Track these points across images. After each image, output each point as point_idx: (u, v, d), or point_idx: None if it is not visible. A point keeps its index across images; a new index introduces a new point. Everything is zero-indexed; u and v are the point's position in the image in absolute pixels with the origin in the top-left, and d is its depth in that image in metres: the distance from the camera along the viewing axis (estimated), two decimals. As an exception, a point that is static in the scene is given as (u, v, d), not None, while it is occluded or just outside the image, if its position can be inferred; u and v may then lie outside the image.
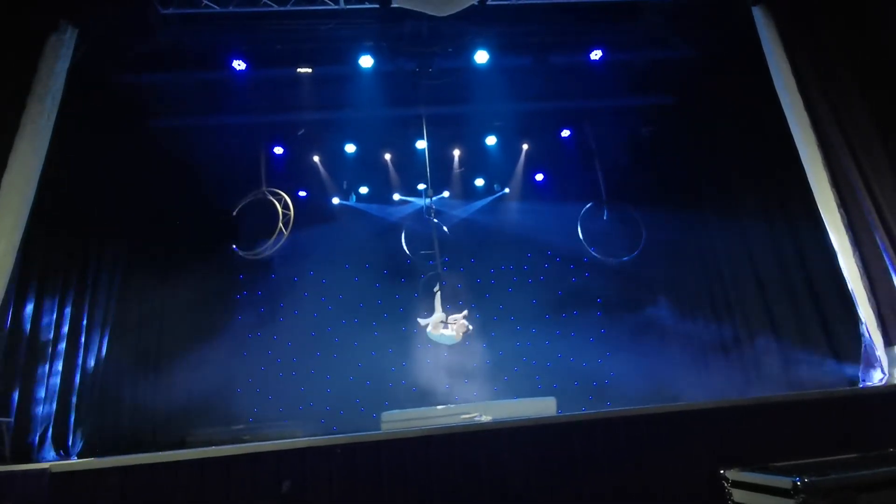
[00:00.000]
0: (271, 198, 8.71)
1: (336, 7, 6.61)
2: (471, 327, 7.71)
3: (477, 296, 11.05)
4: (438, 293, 7.93)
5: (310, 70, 7.74)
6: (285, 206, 8.67)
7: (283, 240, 8.60)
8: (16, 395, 5.98)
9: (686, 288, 9.58)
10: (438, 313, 7.76)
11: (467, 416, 7.42)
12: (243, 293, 10.49)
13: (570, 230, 10.16)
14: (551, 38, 7.67)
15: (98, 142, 7.46)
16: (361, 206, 10.93)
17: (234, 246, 8.95)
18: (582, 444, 4.12)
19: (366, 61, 7.65)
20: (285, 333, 10.47)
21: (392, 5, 6.24)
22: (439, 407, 8.64)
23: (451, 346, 10.34)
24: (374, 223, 10.97)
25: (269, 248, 8.64)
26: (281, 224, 8.56)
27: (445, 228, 9.66)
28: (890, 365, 4.92)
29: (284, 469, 3.88)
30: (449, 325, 7.61)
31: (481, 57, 7.67)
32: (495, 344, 10.73)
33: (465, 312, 7.76)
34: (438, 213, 9.50)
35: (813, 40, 5.79)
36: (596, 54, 7.81)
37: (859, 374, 5.54)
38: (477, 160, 10.42)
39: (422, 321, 7.93)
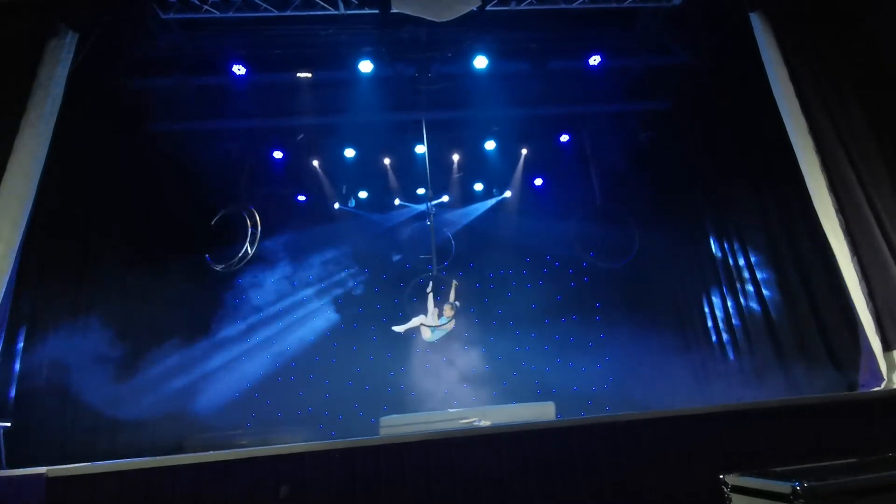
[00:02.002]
0: (244, 213, 8.70)
1: (336, 12, 6.63)
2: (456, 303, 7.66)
3: (476, 300, 11.05)
4: (431, 294, 7.96)
5: (309, 75, 7.76)
6: (254, 224, 8.66)
7: (248, 258, 8.59)
8: (12, 399, 5.95)
9: (685, 292, 9.58)
10: (421, 315, 7.78)
11: (466, 420, 7.40)
12: (242, 297, 10.47)
13: (569, 235, 10.17)
14: (550, 43, 7.71)
15: (98, 146, 7.47)
16: (361, 211, 10.95)
17: (208, 255, 8.90)
18: (581, 449, 4.10)
19: (365, 66, 7.67)
20: (283, 337, 10.46)
21: (391, 11, 6.27)
22: (438, 412, 8.62)
23: (448, 349, 10.37)
24: (374, 228, 10.98)
25: (234, 264, 8.62)
26: (248, 243, 8.53)
27: (449, 234, 9.64)
28: (888, 369, 4.92)
29: (283, 474, 3.86)
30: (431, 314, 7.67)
31: (480, 62, 7.69)
32: (494, 349, 10.73)
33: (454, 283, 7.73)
34: (438, 217, 9.52)
35: (810, 46, 5.82)
36: (594, 60, 7.83)
37: (858, 379, 5.55)
38: (476, 165, 10.45)
39: (398, 328, 7.93)
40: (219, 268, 8.66)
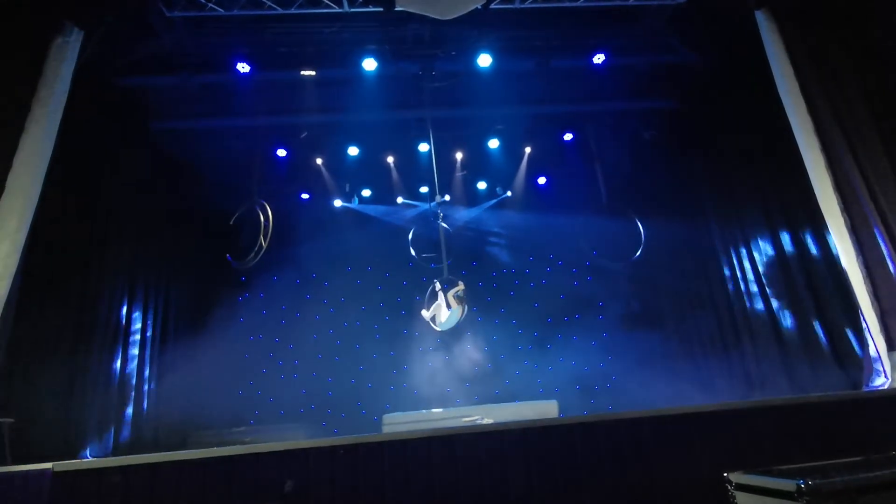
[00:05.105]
0: (257, 209, 8.76)
1: (340, 10, 6.64)
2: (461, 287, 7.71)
3: (479, 299, 11.05)
4: (440, 292, 7.96)
5: (313, 73, 7.77)
6: (266, 217, 8.74)
7: (262, 251, 8.68)
8: (18, 396, 5.98)
9: (688, 291, 9.56)
10: (432, 311, 7.87)
11: (469, 418, 7.42)
12: (245, 295, 10.49)
13: (573, 234, 10.16)
14: (554, 41, 7.70)
15: (103, 144, 7.49)
16: (364, 208, 10.96)
17: (228, 255, 8.95)
18: (583, 447, 4.10)
19: (369, 64, 7.67)
20: (287, 336, 10.48)
21: (395, 8, 6.27)
22: (441, 410, 8.63)
23: (451, 348, 10.38)
24: (377, 226, 11.00)
25: (251, 260, 8.70)
26: (262, 236, 8.60)
27: (447, 226, 9.63)
28: (892, 369, 4.90)
29: (287, 469, 3.88)
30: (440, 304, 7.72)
31: (484, 60, 7.69)
32: (497, 347, 10.74)
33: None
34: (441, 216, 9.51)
35: (816, 44, 5.80)
36: (598, 58, 7.82)
37: (862, 378, 5.54)
38: (479, 163, 10.44)
39: (426, 313, 8.01)
40: (240, 266, 8.75)
